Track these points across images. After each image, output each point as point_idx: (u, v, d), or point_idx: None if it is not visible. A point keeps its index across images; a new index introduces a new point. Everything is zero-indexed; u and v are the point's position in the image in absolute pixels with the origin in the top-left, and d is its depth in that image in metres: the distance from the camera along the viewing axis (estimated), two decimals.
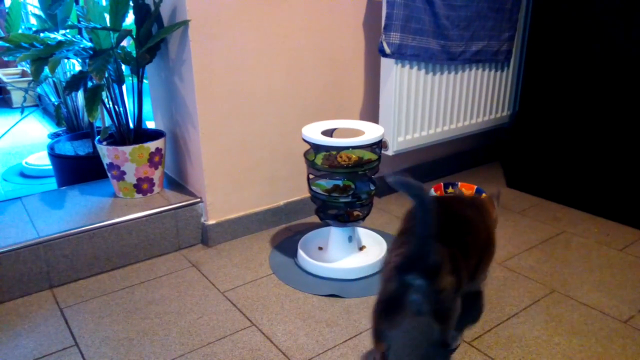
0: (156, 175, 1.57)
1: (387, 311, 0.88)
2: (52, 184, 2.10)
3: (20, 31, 1.76)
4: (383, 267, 0.90)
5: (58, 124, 1.87)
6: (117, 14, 1.39)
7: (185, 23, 1.35)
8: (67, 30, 1.52)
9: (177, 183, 1.69)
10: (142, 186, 1.56)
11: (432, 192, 1.74)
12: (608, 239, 1.59)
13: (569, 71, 1.75)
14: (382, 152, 1.69)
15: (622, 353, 1.09)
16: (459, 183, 1.83)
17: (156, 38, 1.40)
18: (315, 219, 1.74)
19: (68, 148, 1.92)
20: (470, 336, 1.14)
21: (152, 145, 1.52)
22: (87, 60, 1.40)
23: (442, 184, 1.85)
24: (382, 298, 0.88)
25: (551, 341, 1.12)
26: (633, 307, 1.24)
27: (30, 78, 1.37)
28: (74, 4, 1.69)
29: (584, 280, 1.37)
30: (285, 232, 1.66)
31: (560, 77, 1.78)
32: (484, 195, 1.75)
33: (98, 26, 1.40)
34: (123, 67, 1.53)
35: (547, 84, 1.82)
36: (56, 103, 2.09)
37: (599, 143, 1.71)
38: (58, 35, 1.44)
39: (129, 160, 1.49)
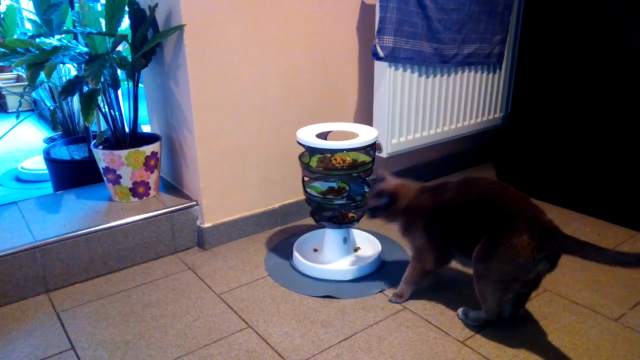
0: (152, 178, 1.58)
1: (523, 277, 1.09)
2: (48, 188, 2.10)
3: (15, 36, 1.77)
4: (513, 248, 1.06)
5: (54, 128, 1.87)
6: (113, 19, 1.40)
7: (180, 28, 1.36)
8: (63, 35, 1.53)
9: (173, 186, 1.70)
10: (138, 190, 1.56)
11: None
12: (600, 238, 1.61)
13: (560, 73, 1.77)
14: (376, 154, 1.71)
15: (614, 350, 1.10)
16: None
17: (151, 43, 1.41)
18: (310, 221, 1.75)
19: (64, 152, 1.92)
20: (464, 336, 1.15)
21: (147, 149, 1.53)
22: (82, 65, 1.40)
23: None
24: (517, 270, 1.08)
25: (543, 339, 1.14)
26: (624, 305, 1.26)
27: (26, 83, 1.38)
28: (70, 9, 1.70)
29: (575, 279, 1.38)
30: (281, 234, 1.67)
31: (552, 78, 1.80)
32: None
33: (94, 31, 1.41)
34: (119, 71, 1.54)
35: (539, 86, 1.84)
36: (52, 108, 2.09)
37: (591, 144, 1.73)
38: (54, 41, 1.45)
39: (124, 164, 1.50)
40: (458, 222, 1.16)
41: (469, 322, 1.20)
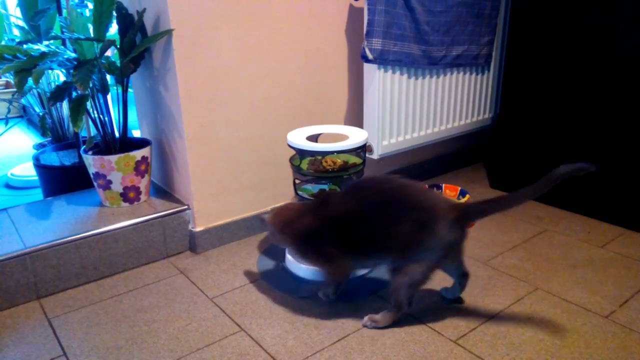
0: (142, 183, 1.58)
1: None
2: (38, 194, 2.09)
3: (3, 42, 1.76)
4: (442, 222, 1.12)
5: (43, 134, 1.86)
6: (101, 25, 1.40)
7: (168, 32, 1.36)
8: (51, 41, 1.52)
9: (164, 191, 1.69)
10: (129, 195, 1.56)
11: None
12: (589, 236, 1.62)
13: (548, 73, 1.79)
14: (367, 156, 1.72)
15: (604, 347, 1.11)
16: (444, 185, 1.86)
17: (140, 48, 1.41)
18: None
19: (53, 158, 1.91)
20: (456, 335, 1.16)
21: (138, 154, 1.52)
22: (71, 71, 1.40)
23: (426, 185, 1.87)
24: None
25: (535, 338, 1.15)
26: (614, 303, 1.27)
27: (14, 89, 1.37)
28: (57, 15, 1.69)
29: (566, 277, 1.39)
30: None
31: (540, 79, 1.81)
32: (467, 197, 1.78)
33: (82, 37, 1.40)
34: (107, 76, 1.53)
35: (527, 86, 1.86)
36: (41, 114, 2.08)
37: (579, 143, 1.75)
38: (41, 46, 1.45)
39: (115, 169, 1.50)
40: (369, 229, 1.13)
41: (380, 325, 1.19)
